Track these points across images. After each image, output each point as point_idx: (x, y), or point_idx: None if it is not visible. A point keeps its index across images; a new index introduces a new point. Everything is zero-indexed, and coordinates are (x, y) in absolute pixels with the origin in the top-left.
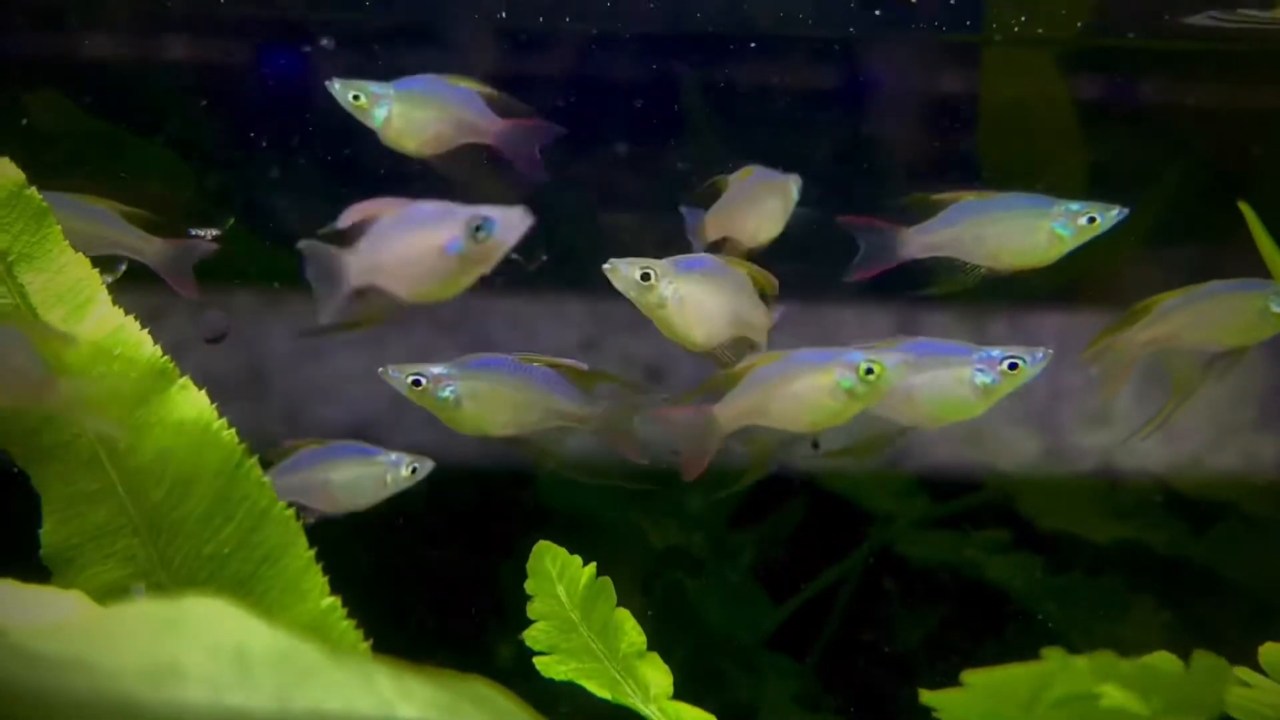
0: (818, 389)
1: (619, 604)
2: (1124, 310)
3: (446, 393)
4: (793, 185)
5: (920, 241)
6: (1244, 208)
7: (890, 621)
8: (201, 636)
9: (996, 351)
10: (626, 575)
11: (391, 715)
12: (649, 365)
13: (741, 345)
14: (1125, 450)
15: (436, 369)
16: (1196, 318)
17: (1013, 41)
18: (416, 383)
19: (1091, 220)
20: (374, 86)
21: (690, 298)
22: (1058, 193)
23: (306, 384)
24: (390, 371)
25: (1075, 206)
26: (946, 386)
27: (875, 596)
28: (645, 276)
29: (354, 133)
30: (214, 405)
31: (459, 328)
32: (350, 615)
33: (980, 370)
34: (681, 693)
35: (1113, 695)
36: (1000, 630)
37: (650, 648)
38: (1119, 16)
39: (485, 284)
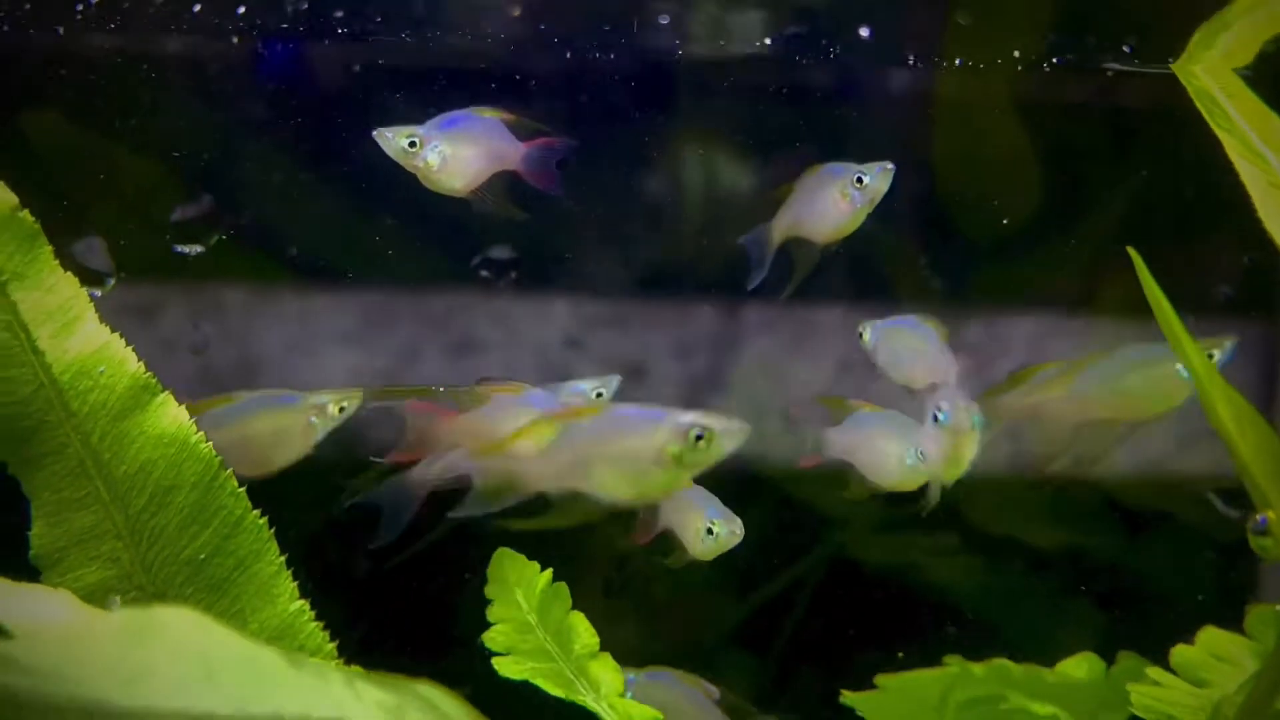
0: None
1: (583, 604)
2: (1094, 312)
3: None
4: None
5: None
6: (1132, 253)
7: (842, 621)
8: (170, 644)
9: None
10: (592, 575)
11: (343, 717)
12: (631, 363)
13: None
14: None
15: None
16: (1072, 393)
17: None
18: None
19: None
20: (421, 130)
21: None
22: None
23: (296, 382)
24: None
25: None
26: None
27: (829, 598)
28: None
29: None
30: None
31: (445, 325)
32: (319, 617)
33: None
34: None
35: (1015, 699)
36: (945, 631)
37: (613, 646)
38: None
39: (471, 281)
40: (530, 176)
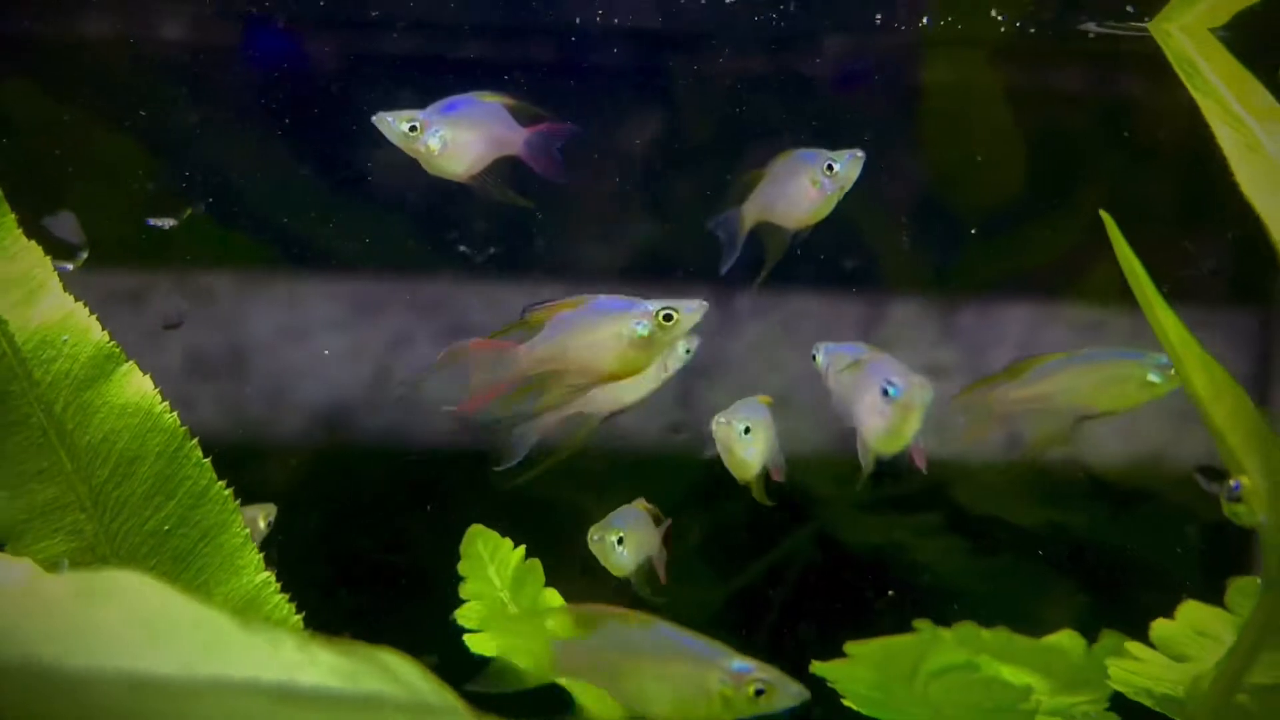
0: (615, 336)
1: (560, 583)
2: (1082, 296)
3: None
4: None
5: None
6: (1105, 216)
7: (825, 601)
8: (119, 606)
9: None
10: (569, 552)
11: (293, 681)
12: None
13: None
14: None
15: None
16: (1072, 382)
17: (951, 40)
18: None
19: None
20: (422, 114)
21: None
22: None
23: (286, 365)
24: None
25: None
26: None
27: (812, 577)
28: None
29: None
30: (191, 384)
31: (437, 310)
32: (296, 591)
33: None
34: None
35: (990, 669)
36: (928, 609)
37: None
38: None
39: (463, 267)
40: (532, 162)
